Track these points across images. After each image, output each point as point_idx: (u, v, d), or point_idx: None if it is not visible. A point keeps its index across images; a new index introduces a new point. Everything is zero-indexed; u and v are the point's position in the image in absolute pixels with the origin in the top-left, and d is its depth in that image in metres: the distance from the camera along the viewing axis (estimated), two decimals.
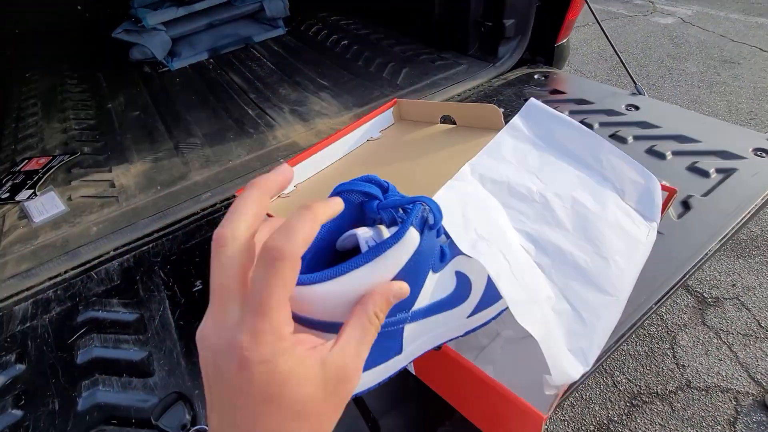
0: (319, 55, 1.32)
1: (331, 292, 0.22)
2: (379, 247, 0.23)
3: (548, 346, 0.31)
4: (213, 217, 0.73)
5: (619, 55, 0.96)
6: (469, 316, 0.32)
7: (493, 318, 0.35)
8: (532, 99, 0.47)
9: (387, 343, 0.28)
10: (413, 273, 0.26)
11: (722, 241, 0.57)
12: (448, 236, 0.31)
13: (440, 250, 0.29)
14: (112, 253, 0.70)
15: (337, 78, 1.18)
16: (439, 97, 1.00)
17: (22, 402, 0.50)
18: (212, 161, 0.89)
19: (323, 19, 1.57)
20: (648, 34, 2.99)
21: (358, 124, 0.68)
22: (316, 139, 0.92)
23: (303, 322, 0.23)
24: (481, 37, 1.14)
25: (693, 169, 0.69)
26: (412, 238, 0.25)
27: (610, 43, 0.95)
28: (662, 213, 0.47)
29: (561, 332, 0.34)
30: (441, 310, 0.30)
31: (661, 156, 0.72)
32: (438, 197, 0.39)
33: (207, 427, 0.43)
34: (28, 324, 0.59)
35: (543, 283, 0.37)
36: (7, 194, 0.87)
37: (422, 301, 0.28)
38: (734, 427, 1.11)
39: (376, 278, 0.24)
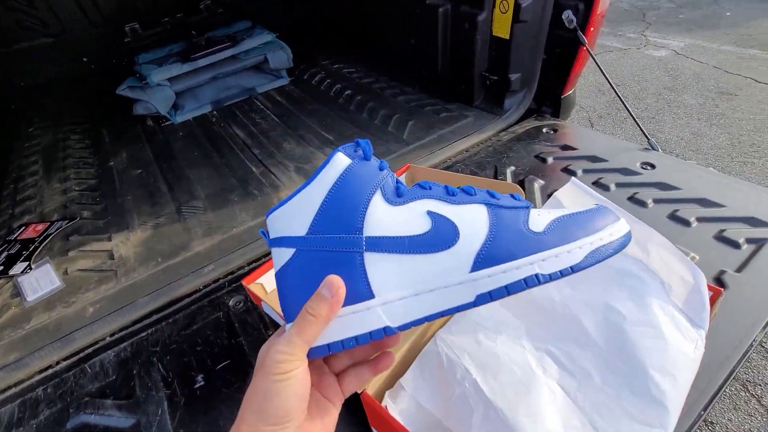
0: (322, 106, 1.32)
1: (286, 214, 0.31)
2: (317, 171, 0.30)
3: None
4: (216, 295, 0.69)
5: (629, 109, 0.95)
6: (472, 271, 0.28)
7: (536, 280, 0.27)
8: (574, 179, 0.44)
9: (347, 278, 0.29)
10: (349, 194, 0.30)
11: (765, 328, 0.52)
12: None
13: (395, 185, 0.31)
14: (108, 339, 0.65)
15: (342, 131, 1.16)
16: (448, 152, 0.98)
17: None
18: (215, 228, 0.86)
19: (325, 66, 1.58)
20: (643, 66, 3.03)
21: None
22: None
23: None
24: (487, 90, 1.14)
25: (721, 238, 0.65)
26: (340, 160, 0.30)
27: (620, 98, 0.94)
28: (711, 316, 0.44)
29: None
30: (413, 251, 0.29)
31: (686, 223, 0.69)
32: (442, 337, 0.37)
33: None
34: (13, 431, 0.54)
35: (566, 411, 0.33)
36: (1, 267, 0.83)
37: (377, 230, 0.29)
38: None
39: (316, 195, 0.30)
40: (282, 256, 0.31)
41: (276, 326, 0.62)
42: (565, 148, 0.94)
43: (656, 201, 0.75)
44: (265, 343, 0.30)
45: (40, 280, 0.79)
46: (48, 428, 0.54)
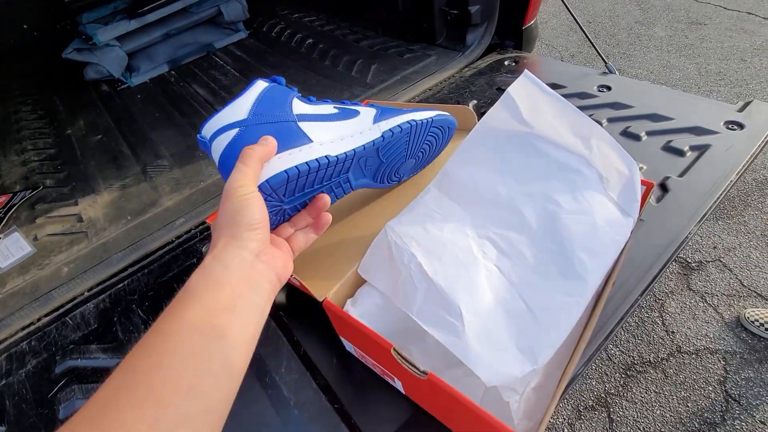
0: (284, 57, 1.28)
1: (222, 118, 0.40)
2: (242, 91, 0.42)
3: (467, 350, 0.31)
4: (189, 244, 0.71)
5: (587, 33, 0.95)
6: (374, 123, 0.45)
7: (409, 124, 0.47)
8: (527, 72, 0.45)
9: (288, 136, 0.39)
10: (273, 97, 0.41)
11: (701, 222, 0.57)
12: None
13: (306, 96, 0.44)
14: (86, 294, 0.67)
15: (305, 80, 1.14)
16: (412, 92, 0.98)
17: None
18: (182, 183, 0.86)
19: (285, 17, 1.51)
20: (615, 1, 2.98)
21: None
22: None
23: None
24: (448, 26, 1.12)
25: (668, 148, 0.69)
26: (261, 82, 0.43)
27: (577, 23, 0.94)
28: (641, 207, 0.47)
29: (510, 331, 0.33)
30: (332, 120, 0.42)
31: (636, 137, 0.72)
32: (401, 216, 0.46)
33: None
34: (3, 381, 0.56)
35: (500, 286, 0.36)
36: None
37: (302, 112, 0.41)
38: (725, 387, 1.15)
39: (246, 102, 0.40)
40: (225, 139, 0.39)
41: None
42: None
43: (610, 120, 0.77)
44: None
45: (10, 248, 0.78)
46: (36, 376, 0.56)
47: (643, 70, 2.31)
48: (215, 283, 0.29)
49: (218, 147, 0.40)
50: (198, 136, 0.42)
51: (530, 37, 1.09)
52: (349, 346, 0.48)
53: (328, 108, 0.44)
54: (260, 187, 0.35)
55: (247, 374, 0.50)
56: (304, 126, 0.40)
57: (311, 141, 0.39)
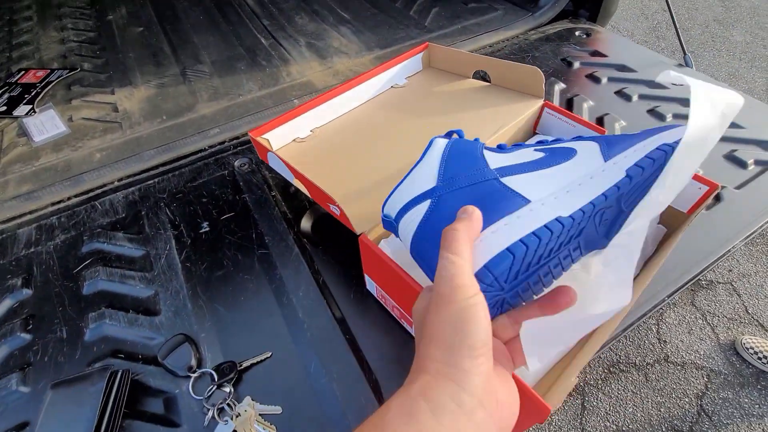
0: None
1: (405, 190, 0.34)
2: (421, 156, 0.36)
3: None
4: (221, 155, 0.70)
5: (675, 20, 0.87)
6: (606, 160, 0.31)
7: (662, 151, 0.30)
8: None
9: (494, 201, 0.30)
10: (463, 152, 0.34)
11: (747, 239, 0.55)
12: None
13: (495, 146, 0.36)
14: (116, 183, 0.67)
15: (360, 11, 1.07)
16: (470, 45, 0.92)
17: (30, 326, 0.50)
18: (221, 93, 0.84)
19: None
20: None
21: (383, 68, 0.63)
22: (334, 79, 0.86)
23: None
24: None
25: (731, 157, 0.65)
26: (440, 140, 0.36)
27: (668, 5, 0.86)
28: (698, 207, 0.45)
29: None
30: (542, 167, 0.32)
31: None
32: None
33: (214, 373, 0.44)
34: (32, 249, 0.58)
35: None
36: (5, 107, 0.82)
37: (500, 164, 0.33)
38: (701, 401, 1.18)
39: (430, 166, 0.34)
40: (417, 214, 0.32)
41: (279, 182, 0.64)
42: (595, 54, 0.88)
43: (675, 116, 0.72)
44: (416, 301, 0.29)
45: (45, 124, 0.78)
46: (64, 250, 0.58)
47: (706, 74, 2.16)
48: (415, 429, 0.21)
49: (408, 227, 0.32)
50: (382, 215, 0.35)
51: (608, 10, 1.00)
52: (371, 286, 0.48)
53: (529, 153, 0.34)
54: (478, 275, 0.26)
55: (266, 290, 0.52)
56: (510, 182, 0.31)
57: (528, 201, 0.29)
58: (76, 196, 0.66)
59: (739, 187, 0.61)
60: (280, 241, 0.57)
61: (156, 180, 0.67)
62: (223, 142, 0.73)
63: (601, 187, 0.29)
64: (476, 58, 0.62)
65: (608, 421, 1.15)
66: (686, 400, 1.18)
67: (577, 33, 0.95)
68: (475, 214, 0.28)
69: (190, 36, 1.02)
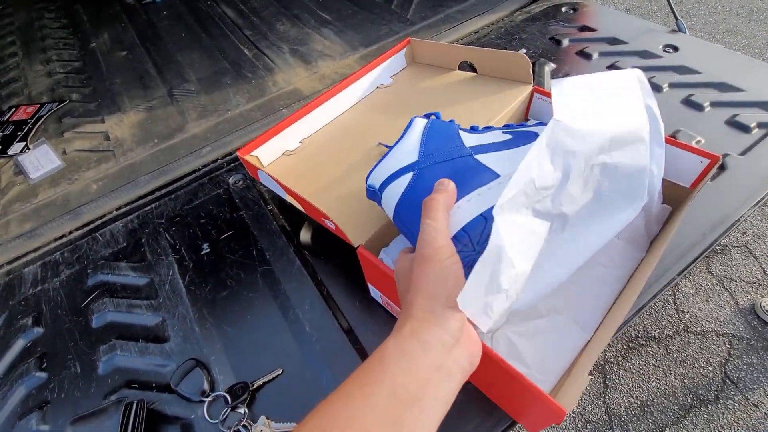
0: None
1: (388, 164, 0.38)
2: (402, 133, 0.40)
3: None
4: (216, 173, 0.70)
5: None
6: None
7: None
8: (638, 71, 0.40)
9: (470, 175, 0.34)
10: (440, 131, 0.39)
11: (755, 206, 0.53)
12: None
13: (469, 126, 0.40)
14: (114, 213, 0.68)
15: (340, 10, 1.06)
16: (455, 34, 0.90)
17: (45, 365, 0.51)
18: (210, 111, 0.83)
19: None
20: None
21: (367, 69, 0.62)
22: (320, 84, 0.85)
23: None
24: None
25: (732, 123, 0.63)
26: (419, 120, 0.40)
27: None
28: (701, 181, 0.44)
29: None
30: (511, 147, 0.37)
31: (699, 107, 0.66)
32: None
33: (227, 396, 0.44)
34: (39, 287, 0.59)
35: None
36: None
37: (474, 143, 0.37)
38: (725, 368, 1.17)
39: (411, 142, 0.38)
40: (400, 185, 0.36)
41: (274, 196, 0.64)
42: (584, 29, 0.86)
43: (672, 85, 0.70)
44: (397, 265, 0.34)
45: (40, 159, 0.79)
46: (70, 285, 0.59)
47: (704, 33, 2.11)
48: (408, 362, 0.26)
49: (391, 197, 0.36)
50: (366, 185, 0.38)
51: None
52: (375, 293, 0.48)
53: (497, 135, 0.39)
54: (456, 237, 0.31)
55: (272, 306, 0.52)
56: (483, 159, 0.36)
57: (498, 175, 0.34)
58: (77, 229, 0.66)
59: (743, 153, 0.59)
60: (281, 255, 0.56)
61: (153, 205, 0.67)
62: (215, 160, 0.73)
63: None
64: (460, 49, 0.61)
65: (632, 397, 1.14)
66: (709, 369, 1.17)
67: (563, 9, 0.92)
68: (451, 186, 0.33)
69: (173, 55, 1.02)
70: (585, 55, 0.80)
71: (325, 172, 0.53)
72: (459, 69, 0.63)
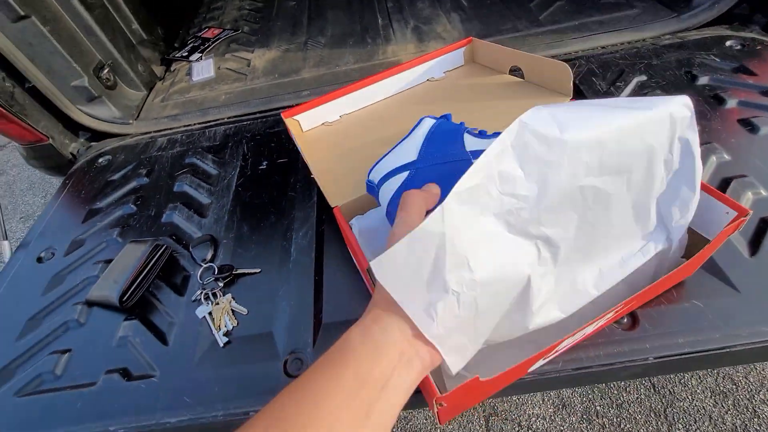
0: None
1: (390, 160, 0.39)
2: (410, 131, 0.42)
3: None
4: None
5: None
6: None
7: None
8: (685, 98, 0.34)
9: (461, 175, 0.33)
10: (445, 132, 0.40)
11: None
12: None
13: (476, 131, 0.40)
14: (225, 119, 0.87)
15: None
16: (574, 45, 0.83)
17: (139, 202, 0.72)
18: (324, 63, 0.97)
19: None
20: None
21: (420, 61, 0.65)
22: None
23: None
24: None
25: None
26: (428, 120, 0.42)
27: None
28: (725, 237, 0.37)
29: None
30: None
31: None
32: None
33: (216, 268, 0.57)
34: (160, 153, 0.82)
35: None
36: (186, 53, 1.12)
37: (477, 148, 0.37)
38: None
39: (415, 141, 0.39)
40: (396, 182, 0.37)
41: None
42: (740, 70, 0.70)
43: None
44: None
45: (203, 68, 1.04)
46: (175, 158, 0.80)
47: None
48: (373, 348, 0.28)
49: (387, 193, 0.38)
50: (367, 180, 0.40)
51: None
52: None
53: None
54: None
55: (280, 224, 0.63)
56: None
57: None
58: (198, 123, 0.88)
59: None
60: (306, 190, 0.66)
61: (247, 122, 0.84)
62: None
63: None
64: (512, 53, 0.58)
65: None
66: None
67: (728, 43, 0.76)
68: (434, 189, 0.35)
69: (325, 11, 1.18)
70: (718, 100, 0.66)
71: (348, 146, 0.59)
72: (509, 74, 0.61)
